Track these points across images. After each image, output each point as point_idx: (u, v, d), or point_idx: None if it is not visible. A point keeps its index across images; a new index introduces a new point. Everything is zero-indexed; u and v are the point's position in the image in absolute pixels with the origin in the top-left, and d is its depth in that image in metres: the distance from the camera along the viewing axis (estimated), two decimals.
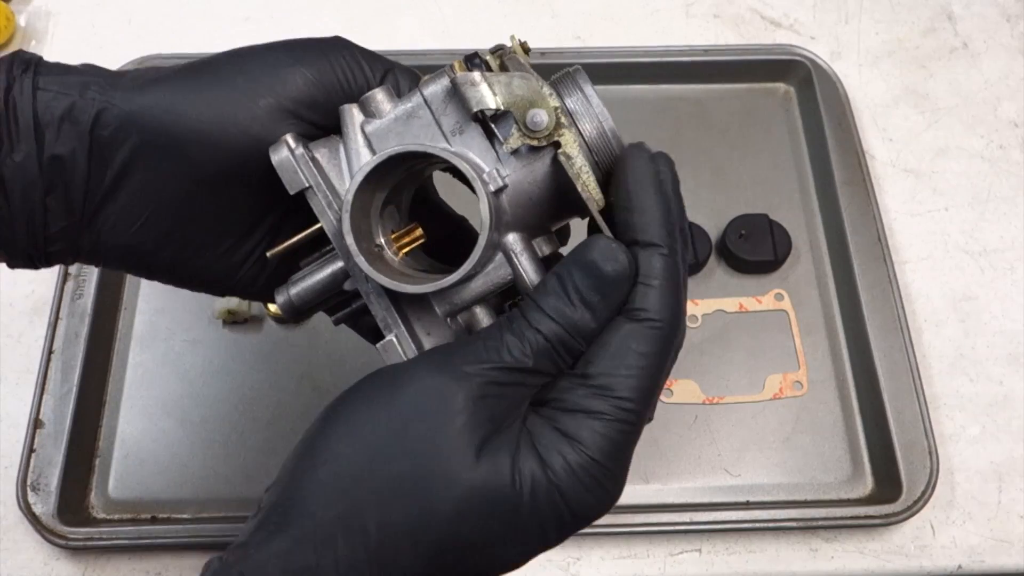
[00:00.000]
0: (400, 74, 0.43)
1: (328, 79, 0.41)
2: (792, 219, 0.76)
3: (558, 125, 0.38)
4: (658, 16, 0.88)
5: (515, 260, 0.39)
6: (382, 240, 0.40)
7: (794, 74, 0.83)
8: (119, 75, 0.41)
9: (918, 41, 0.87)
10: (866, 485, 0.67)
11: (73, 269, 0.70)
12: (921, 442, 0.66)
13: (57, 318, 0.69)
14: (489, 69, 0.39)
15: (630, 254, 0.37)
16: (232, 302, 0.70)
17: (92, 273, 0.70)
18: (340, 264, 0.40)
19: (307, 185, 0.39)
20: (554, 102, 0.38)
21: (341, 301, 0.42)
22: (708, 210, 0.76)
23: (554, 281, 0.37)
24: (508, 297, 0.43)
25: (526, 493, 0.35)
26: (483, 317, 0.41)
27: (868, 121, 0.82)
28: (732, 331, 0.72)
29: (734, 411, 0.69)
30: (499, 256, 0.39)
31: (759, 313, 0.73)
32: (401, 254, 0.40)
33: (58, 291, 0.69)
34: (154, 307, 0.72)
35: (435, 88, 0.39)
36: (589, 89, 0.40)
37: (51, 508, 0.63)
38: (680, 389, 0.69)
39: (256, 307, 0.72)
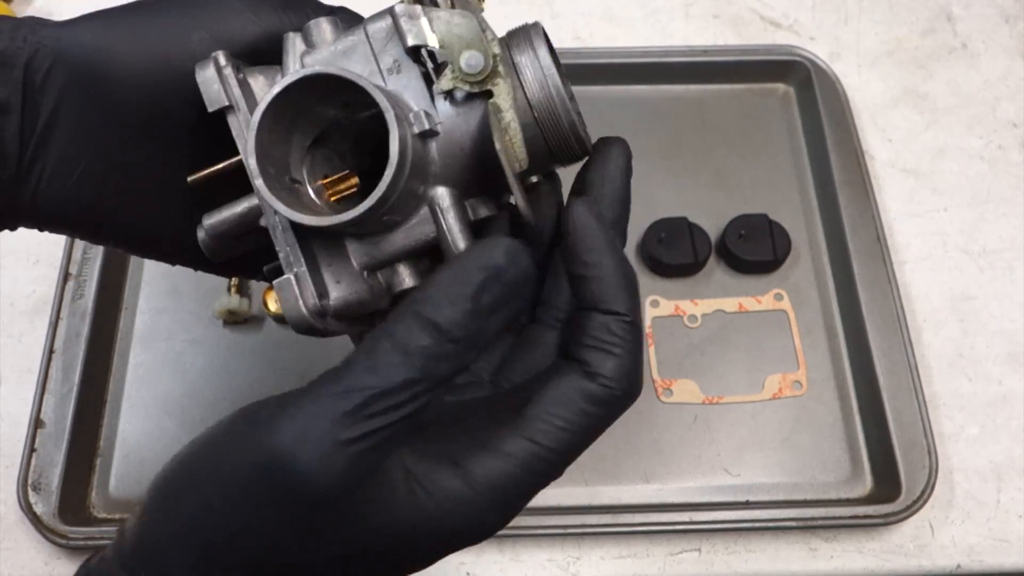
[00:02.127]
0: (351, 15, 0.39)
1: (274, 29, 0.37)
2: (792, 219, 0.76)
3: (494, 72, 0.35)
4: (658, 16, 0.88)
5: (440, 216, 0.35)
6: (303, 176, 0.36)
7: (794, 75, 0.83)
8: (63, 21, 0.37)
9: (917, 42, 0.87)
10: (865, 485, 0.67)
11: (74, 269, 0.71)
12: (920, 442, 0.66)
13: (58, 318, 0.69)
14: (436, 5, 0.36)
15: (532, 257, 0.33)
16: (232, 302, 0.70)
17: (93, 273, 0.70)
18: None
19: (227, 104, 0.35)
20: (495, 48, 0.35)
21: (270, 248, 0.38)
22: (708, 210, 0.76)
23: (447, 281, 0.32)
24: (437, 260, 0.38)
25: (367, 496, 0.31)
26: (406, 277, 0.37)
27: (867, 121, 0.82)
28: (731, 331, 0.72)
29: (734, 411, 0.69)
30: (424, 210, 0.36)
31: (759, 313, 0.73)
32: (328, 199, 0.36)
33: (59, 291, 0.70)
34: (155, 307, 0.72)
35: (379, 24, 0.36)
36: (541, 44, 0.37)
37: (52, 508, 0.63)
38: (680, 389, 0.70)
39: (256, 307, 0.72)
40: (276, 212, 0.34)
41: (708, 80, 0.83)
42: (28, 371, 0.68)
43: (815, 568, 0.64)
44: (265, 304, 0.71)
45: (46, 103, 0.35)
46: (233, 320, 0.71)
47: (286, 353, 0.70)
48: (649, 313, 0.72)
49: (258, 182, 0.32)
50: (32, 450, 0.64)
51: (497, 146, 0.34)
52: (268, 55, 0.37)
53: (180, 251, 0.40)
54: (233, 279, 0.71)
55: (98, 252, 0.71)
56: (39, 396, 0.66)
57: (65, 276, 0.70)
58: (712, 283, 0.74)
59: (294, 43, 0.37)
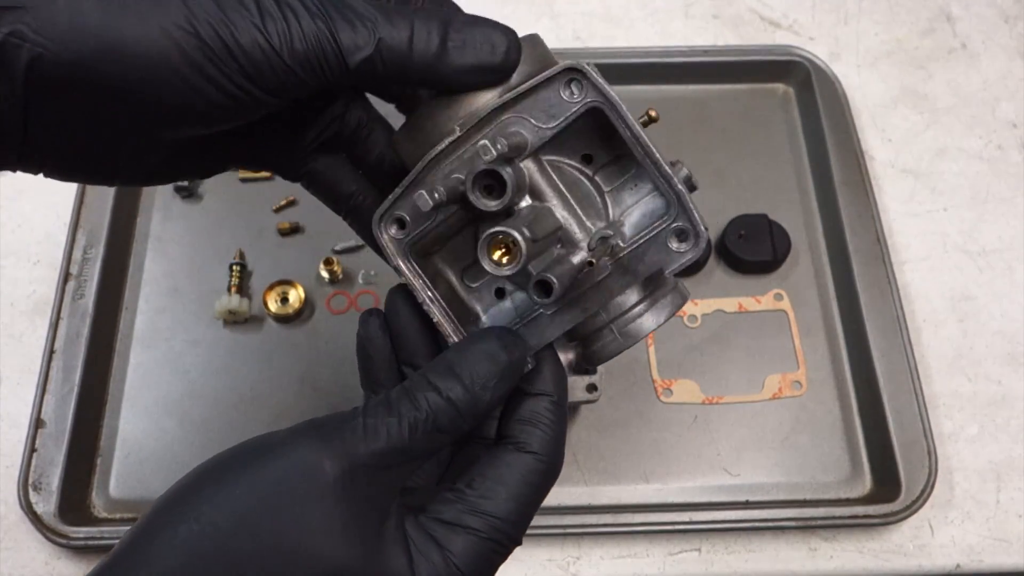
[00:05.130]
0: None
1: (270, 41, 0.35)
2: (791, 219, 0.76)
3: None
4: (658, 16, 0.88)
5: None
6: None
7: (793, 75, 0.83)
8: None
9: (917, 42, 0.87)
10: (865, 485, 0.67)
11: (74, 269, 0.71)
12: (920, 442, 0.66)
13: (58, 318, 0.69)
14: None
15: (524, 343, 0.39)
16: (232, 302, 0.70)
17: (93, 273, 0.70)
18: None
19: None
20: None
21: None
22: (708, 210, 0.76)
23: (450, 361, 0.37)
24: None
25: None
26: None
27: (867, 121, 0.82)
28: (731, 331, 0.72)
29: (733, 411, 0.69)
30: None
31: (758, 313, 0.73)
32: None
33: (59, 291, 0.70)
34: (155, 307, 0.72)
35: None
36: None
37: (52, 507, 0.63)
38: (680, 389, 0.70)
39: (256, 307, 0.72)
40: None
41: (708, 80, 0.83)
42: (28, 371, 0.68)
43: (815, 568, 0.64)
44: (265, 304, 0.71)
45: (19, 72, 0.33)
46: (233, 320, 0.71)
47: (286, 353, 0.70)
48: None
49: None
50: (32, 450, 0.64)
51: None
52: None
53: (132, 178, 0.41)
54: (233, 280, 0.71)
55: (99, 252, 0.71)
56: (39, 396, 0.66)
57: (65, 276, 0.70)
58: (712, 283, 0.74)
59: None
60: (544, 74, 0.37)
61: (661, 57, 0.82)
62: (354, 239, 0.74)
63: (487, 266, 0.35)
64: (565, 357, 0.47)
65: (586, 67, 0.37)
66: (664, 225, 0.39)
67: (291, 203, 0.76)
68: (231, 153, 0.43)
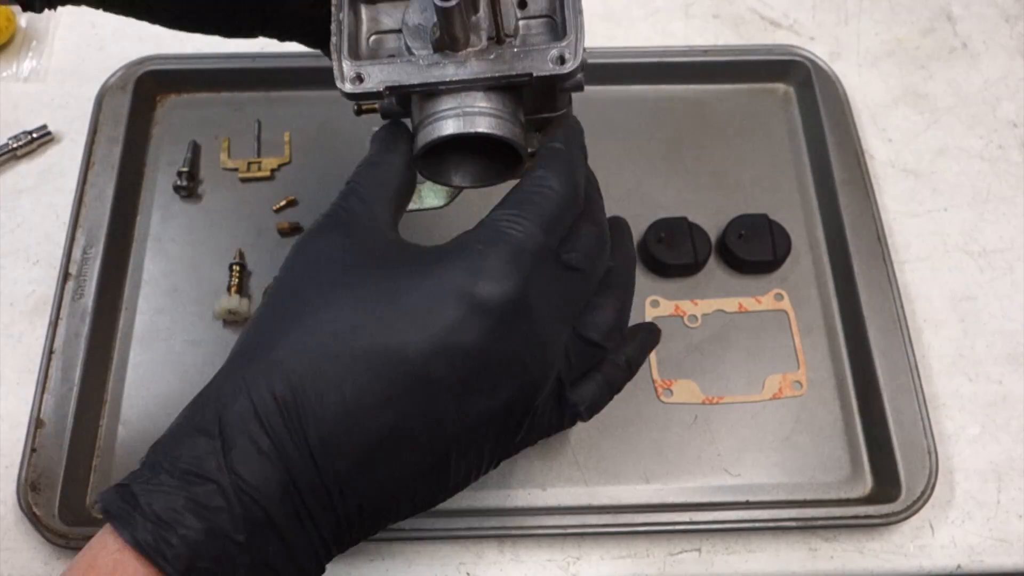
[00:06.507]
0: None
1: None
2: (791, 219, 0.76)
3: None
4: (658, 16, 0.88)
5: None
6: None
7: (794, 74, 0.83)
8: None
9: (918, 41, 0.87)
10: (865, 485, 0.67)
11: (74, 269, 0.71)
12: (920, 442, 0.66)
13: (58, 318, 0.69)
14: None
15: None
16: (232, 302, 0.70)
17: (93, 273, 0.70)
18: None
19: None
20: None
21: None
22: (708, 210, 0.76)
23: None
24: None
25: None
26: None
27: (867, 121, 0.82)
28: (731, 331, 0.72)
29: (734, 411, 0.69)
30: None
31: (758, 313, 0.73)
32: None
33: (59, 291, 0.70)
34: (154, 307, 0.72)
35: None
36: None
37: (52, 508, 0.63)
38: (680, 389, 0.70)
39: (256, 307, 0.72)
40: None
41: (708, 80, 0.83)
42: (28, 371, 0.68)
43: (815, 568, 0.64)
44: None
45: None
46: (233, 320, 0.71)
47: None
48: (649, 313, 0.72)
49: None
50: (32, 450, 0.64)
51: None
52: None
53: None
54: (233, 280, 0.71)
55: (98, 252, 0.71)
56: (39, 396, 0.66)
57: (65, 276, 0.70)
58: (712, 283, 0.74)
59: None
60: None
61: (661, 57, 0.82)
62: None
63: None
64: None
65: None
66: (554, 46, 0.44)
67: (291, 203, 0.76)
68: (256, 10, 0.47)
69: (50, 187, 0.77)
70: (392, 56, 0.43)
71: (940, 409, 0.70)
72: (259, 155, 0.78)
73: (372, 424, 0.34)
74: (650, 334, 0.52)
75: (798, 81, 0.83)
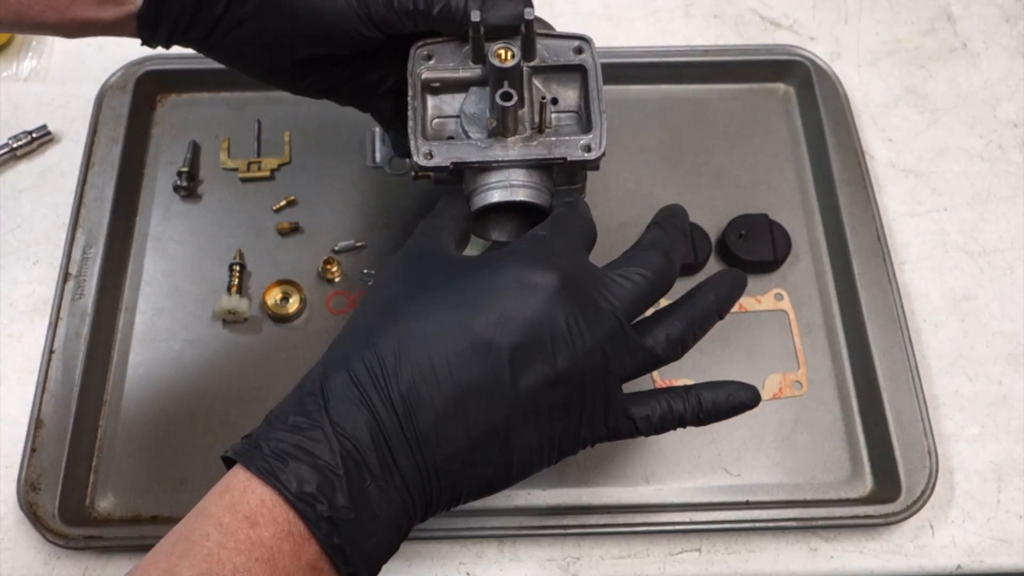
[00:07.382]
0: None
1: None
2: (792, 219, 0.76)
3: None
4: (658, 16, 0.88)
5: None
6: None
7: (794, 74, 0.83)
8: None
9: (918, 41, 0.87)
10: (865, 485, 0.67)
11: (74, 269, 0.71)
12: (920, 442, 0.66)
13: (58, 318, 0.69)
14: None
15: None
16: (232, 302, 0.70)
17: (93, 273, 0.70)
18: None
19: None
20: None
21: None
22: (708, 210, 0.76)
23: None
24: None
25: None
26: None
27: (867, 121, 0.82)
28: (731, 331, 0.72)
29: None
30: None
31: (758, 313, 0.73)
32: None
33: (59, 291, 0.70)
34: (154, 307, 0.72)
35: None
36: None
37: (52, 508, 0.63)
38: None
39: (256, 307, 0.72)
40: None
41: (708, 80, 0.83)
42: (28, 371, 0.68)
43: (815, 568, 0.64)
44: (265, 304, 0.71)
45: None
46: (233, 320, 0.71)
47: (286, 353, 0.70)
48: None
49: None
50: (32, 450, 0.64)
51: None
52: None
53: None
54: (233, 280, 0.71)
55: (98, 252, 0.71)
56: (39, 396, 0.66)
57: (65, 276, 0.70)
58: None
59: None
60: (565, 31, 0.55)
61: (661, 57, 0.82)
62: (354, 239, 0.74)
63: (494, 60, 0.50)
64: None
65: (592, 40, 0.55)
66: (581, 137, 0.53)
67: (291, 203, 0.76)
68: (327, 77, 0.58)
69: (50, 187, 0.77)
70: (451, 137, 0.54)
71: (940, 409, 0.70)
72: (259, 155, 0.79)
73: (445, 384, 0.42)
74: (737, 277, 0.55)
75: (798, 81, 0.83)
